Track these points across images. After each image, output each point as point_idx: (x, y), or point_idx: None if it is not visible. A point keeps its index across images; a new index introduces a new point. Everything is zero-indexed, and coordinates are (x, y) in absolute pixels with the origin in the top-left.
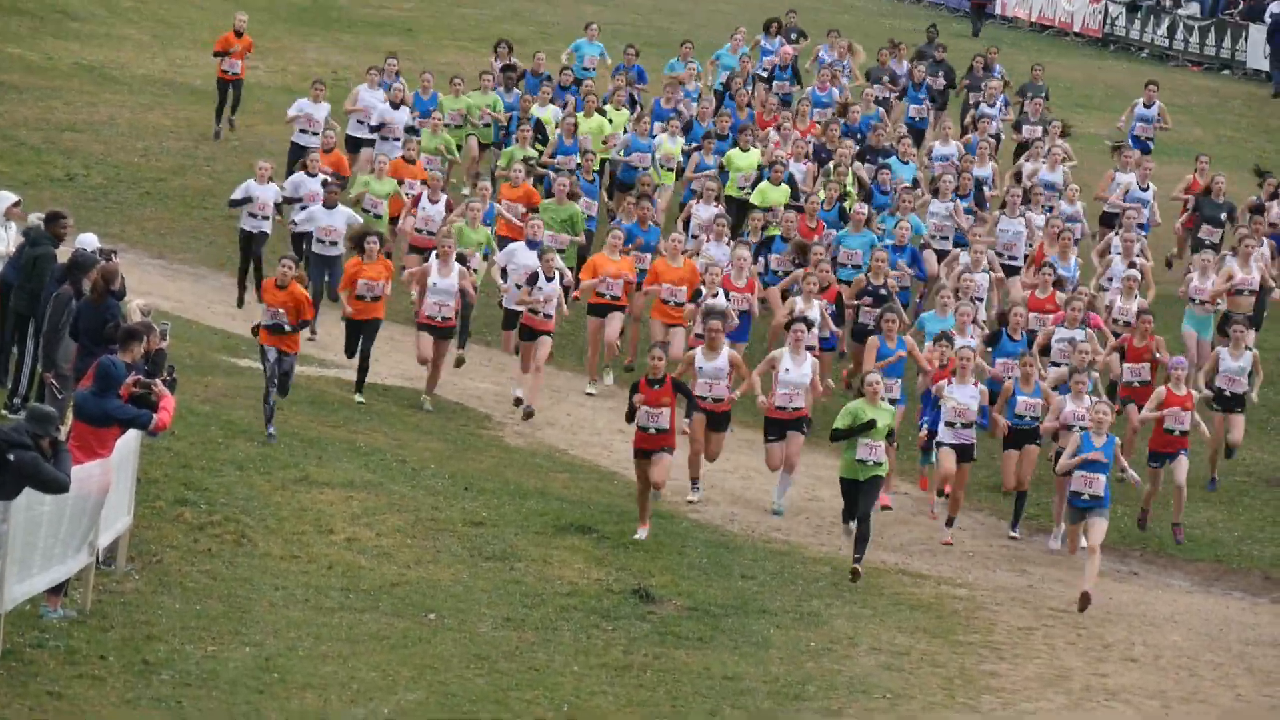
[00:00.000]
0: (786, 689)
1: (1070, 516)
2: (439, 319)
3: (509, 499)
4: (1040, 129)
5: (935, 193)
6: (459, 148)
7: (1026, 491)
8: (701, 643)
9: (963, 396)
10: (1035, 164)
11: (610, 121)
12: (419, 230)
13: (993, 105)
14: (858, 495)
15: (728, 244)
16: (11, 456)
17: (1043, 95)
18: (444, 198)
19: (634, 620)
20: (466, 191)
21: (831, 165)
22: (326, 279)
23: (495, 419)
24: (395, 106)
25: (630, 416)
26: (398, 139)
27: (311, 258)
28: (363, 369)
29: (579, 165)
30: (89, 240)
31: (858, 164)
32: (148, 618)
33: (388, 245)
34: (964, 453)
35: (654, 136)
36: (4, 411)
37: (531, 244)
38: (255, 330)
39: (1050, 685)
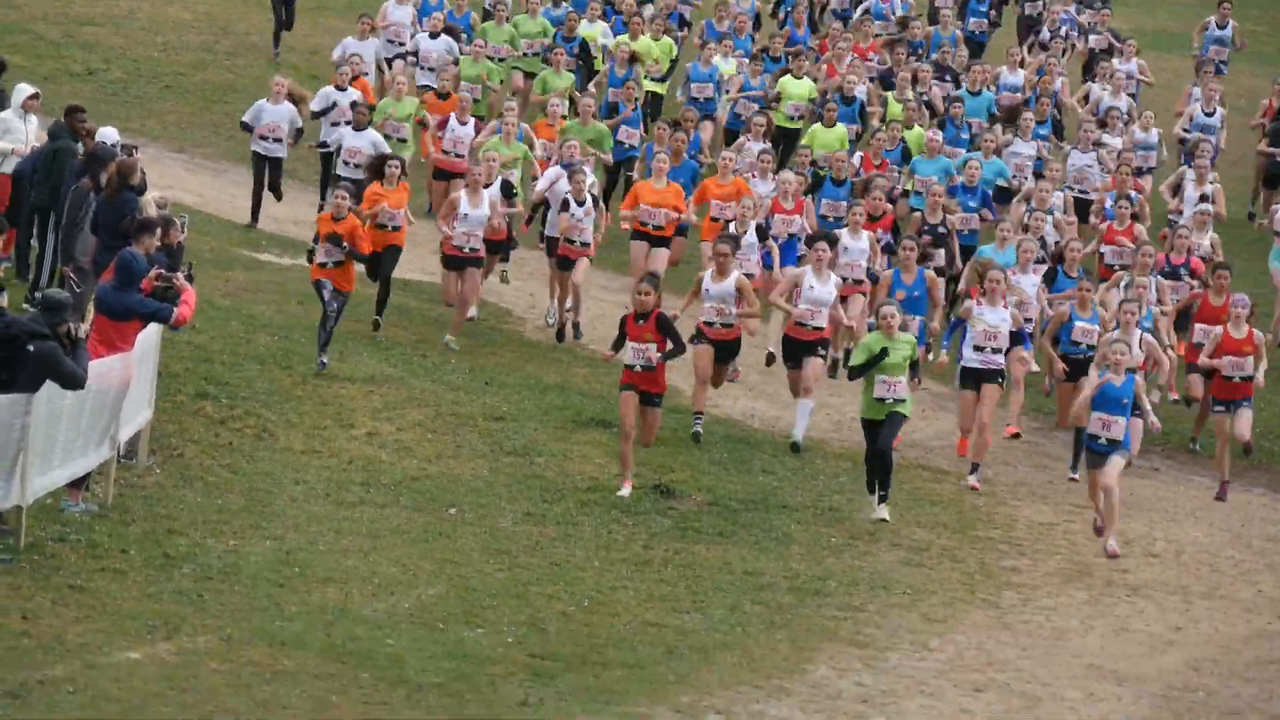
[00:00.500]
0: (807, 584)
1: (1090, 462)
2: (465, 250)
3: (529, 394)
4: (1107, 39)
5: (1016, 130)
6: (501, 81)
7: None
8: (722, 538)
9: (993, 318)
10: (1102, 89)
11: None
12: (446, 152)
13: (1055, 28)
14: (877, 433)
15: (773, 180)
16: (31, 347)
17: (1107, 6)
18: (473, 120)
19: (654, 515)
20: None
21: (893, 93)
22: None
23: (516, 314)
24: (433, 36)
25: (618, 345)
26: (432, 69)
27: (335, 179)
28: (383, 295)
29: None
30: (109, 134)
31: (934, 85)
32: (169, 511)
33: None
34: (990, 377)
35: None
36: (25, 306)
37: (568, 167)
38: (310, 256)
39: (1071, 581)
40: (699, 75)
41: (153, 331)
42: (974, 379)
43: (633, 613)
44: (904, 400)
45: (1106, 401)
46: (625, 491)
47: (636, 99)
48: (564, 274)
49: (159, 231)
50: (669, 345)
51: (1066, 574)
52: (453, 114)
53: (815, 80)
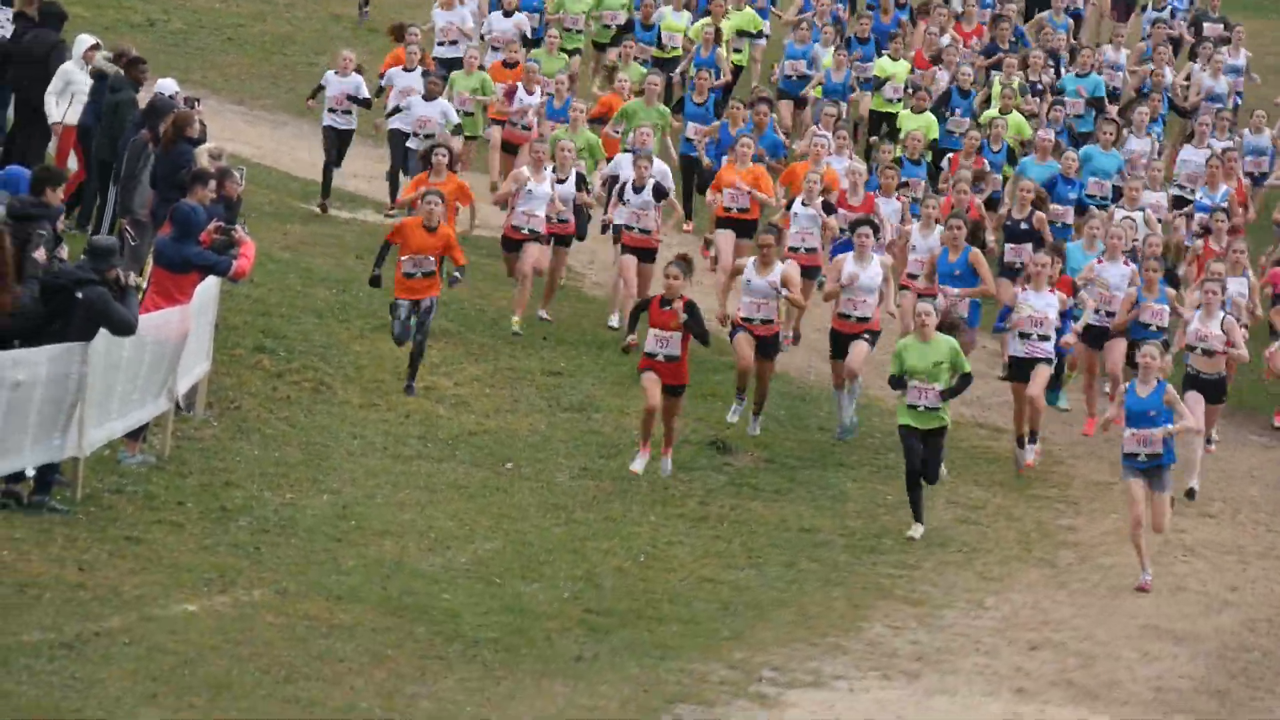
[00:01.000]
0: (863, 542)
1: (1128, 476)
2: (525, 230)
3: (586, 349)
4: (1219, 28)
5: (1130, 124)
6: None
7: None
8: (778, 495)
9: (1039, 304)
10: (1202, 70)
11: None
12: (513, 124)
13: (1161, 6)
14: (917, 447)
15: (850, 157)
16: (80, 294)
17: None
18: (539, 89)
19: (710, 471)
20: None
21: (998, 82)
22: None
23: (574, 269)
24: (508, 14)
25: (631, 325)
26: (497, 49)
27: (407, 152)
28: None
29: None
30: (168, 85)
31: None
32: (226, 464)
33: (463, 160)
34: (1035, 366)
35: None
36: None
37: (637, 154)
38: (374, 281)
39: (1127, 540)
40: (793, 52)
41: (211, 284)
42: (1020, 369)
43: (688, 569)
44: (937, 410)
45: (1132, 416)
46: (638, 465)
47: (713, 88)
48: (626, 260)
49: (213, 183)
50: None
51: (1123, 533)
52: (519, 83)
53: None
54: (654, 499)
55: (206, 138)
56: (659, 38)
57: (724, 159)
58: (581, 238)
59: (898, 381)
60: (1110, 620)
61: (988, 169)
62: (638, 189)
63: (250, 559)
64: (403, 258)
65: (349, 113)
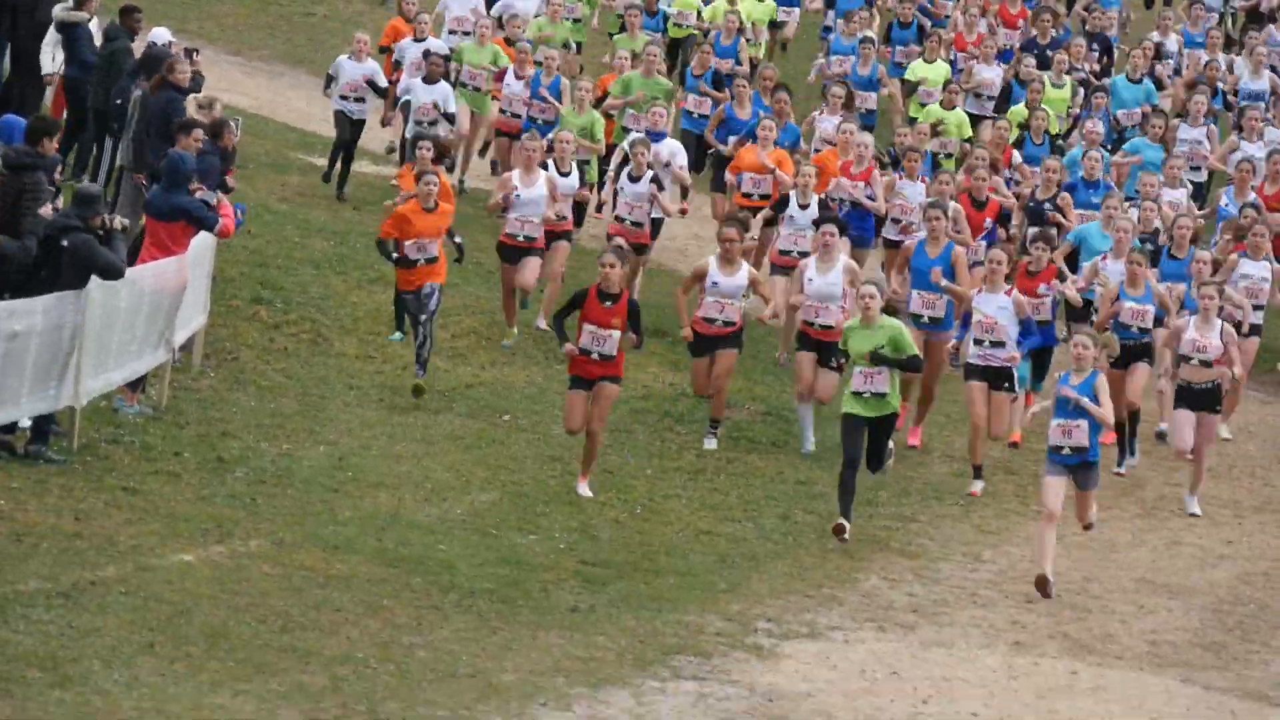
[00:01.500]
0: (860, 494)
1: (1050, 471)
2: (520, 238)
3: None
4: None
5: (1184, 114)
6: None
7: (1137, 416)
8: (774, 447)
9: (988, 307)
10: (1244, 64)
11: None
12: (503, 111)
13: None
14: (859, 437)
15: (842, 119)
16: (65, 242)
17: None
18: (532, 72)
19: (707, 424)
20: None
21: (1049, 74)
22: None
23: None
24: None
25: (558, 322)
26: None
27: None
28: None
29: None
30: (161, 34)
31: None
32: (223, 415)
33: (451, 148)
34: (995, 378)
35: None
36: None
37: (654, 136)
38: (386, 252)
39: (1124, 495)
40: (840, 47)
41: (207, 236)
42: (977, 375)
43: (685, 521)
44: (884, 395)
45: (1059, 405)
46: (583, 489)
47: (727, 74)
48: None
49: (199, 132)
50: (632, 336)
51: (1120, 487)
52: (510, 66)
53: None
54: (650, 452)
55: (201, 88)
56: (665, 22)
57: (730, 140)
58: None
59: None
60: (1106, 574)
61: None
62: (634, 178)
63: (247, 509)
64: (406, 244)
65: (362, 100)
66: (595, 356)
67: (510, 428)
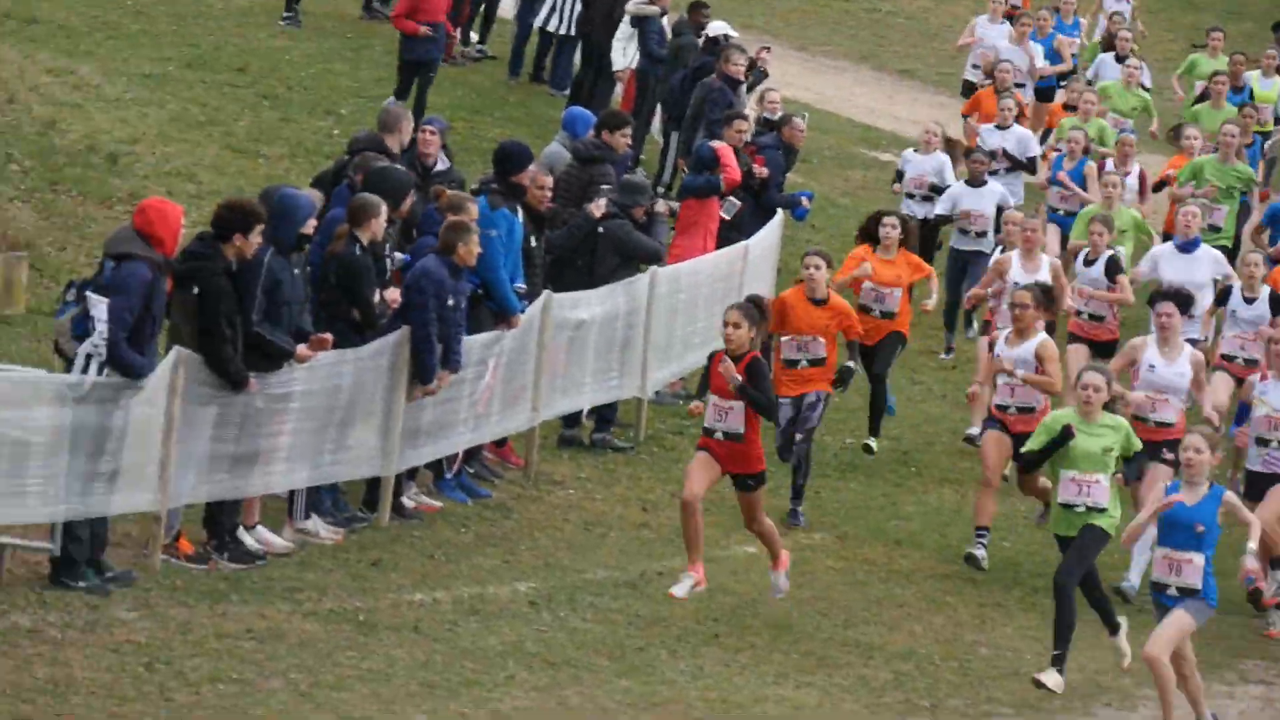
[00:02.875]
0: None
1: (1157, 616)
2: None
3: None
4: None
5: None
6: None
7: None
8: None
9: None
10: None
11: None
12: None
13: None
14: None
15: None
16: (602, 229)
17: None
18: (1136, 168)
19: None
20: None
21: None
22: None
23: None
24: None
25: (701, 390)
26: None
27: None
28: (878, 407)
29: None
30: (719, 27)
31: None
32: None
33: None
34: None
35: None
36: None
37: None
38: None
39: None
40: None
41: (775, 226)
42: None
43: None
44: (1104, 510)
45: (1170, 525)
46: (680, 589)
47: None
48: (1073, 350)
49: (741, 123)
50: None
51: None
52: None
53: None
54: None
55: (761, 83)
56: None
57: None
58: None
59: (1034, 459)
60: None
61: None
62: (1089, 261)
63: (812, 504)
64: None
65: (929, 199)
66: (719, 436)
67: None
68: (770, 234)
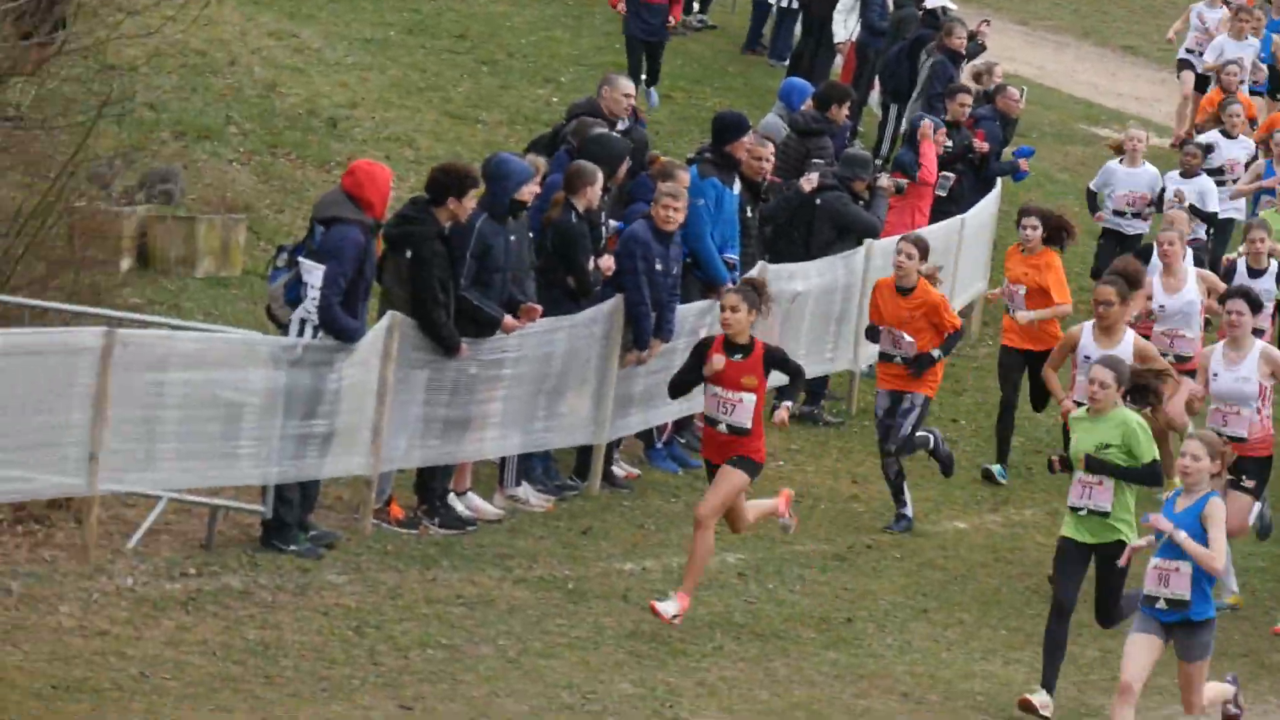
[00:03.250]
0: None
1: (1140, 628)
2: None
3: None
4: None
5: None
6: None
7: None
8: None
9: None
10: None
11: None
12: None
13: None
14: (1075, 570)
15: None
16: (819, 200)
17: None
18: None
19: None
20: None
21: None
22: None
23: None
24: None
25: (675, 390)
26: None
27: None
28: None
29: None
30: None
31: None
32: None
33: None
34: None
35: None
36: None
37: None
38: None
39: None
40: None
41: (990, 202)
42: None
43: None
44: (1107, 514)
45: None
46: (670, 608)
47: None
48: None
49: (964, 96)
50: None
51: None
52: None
53: None
54: None
55: (978, 53)
56: None
57: None
58: None
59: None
60: None
61: None
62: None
63: (1022, 479)
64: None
65: (1140, 215)
66: (723, 429)
67: None
68: (986, 207)
